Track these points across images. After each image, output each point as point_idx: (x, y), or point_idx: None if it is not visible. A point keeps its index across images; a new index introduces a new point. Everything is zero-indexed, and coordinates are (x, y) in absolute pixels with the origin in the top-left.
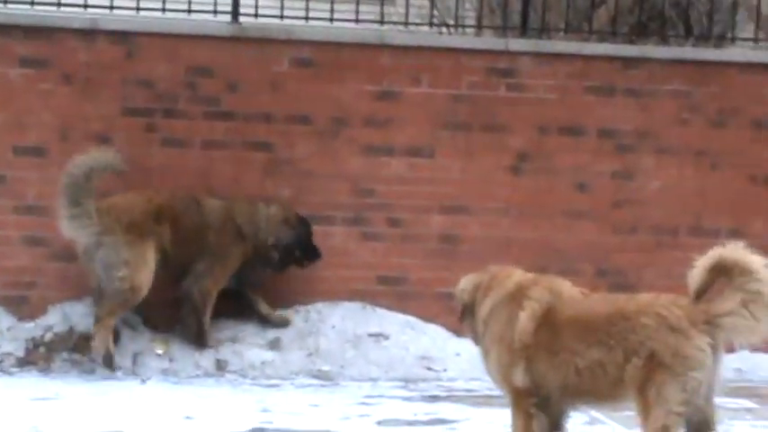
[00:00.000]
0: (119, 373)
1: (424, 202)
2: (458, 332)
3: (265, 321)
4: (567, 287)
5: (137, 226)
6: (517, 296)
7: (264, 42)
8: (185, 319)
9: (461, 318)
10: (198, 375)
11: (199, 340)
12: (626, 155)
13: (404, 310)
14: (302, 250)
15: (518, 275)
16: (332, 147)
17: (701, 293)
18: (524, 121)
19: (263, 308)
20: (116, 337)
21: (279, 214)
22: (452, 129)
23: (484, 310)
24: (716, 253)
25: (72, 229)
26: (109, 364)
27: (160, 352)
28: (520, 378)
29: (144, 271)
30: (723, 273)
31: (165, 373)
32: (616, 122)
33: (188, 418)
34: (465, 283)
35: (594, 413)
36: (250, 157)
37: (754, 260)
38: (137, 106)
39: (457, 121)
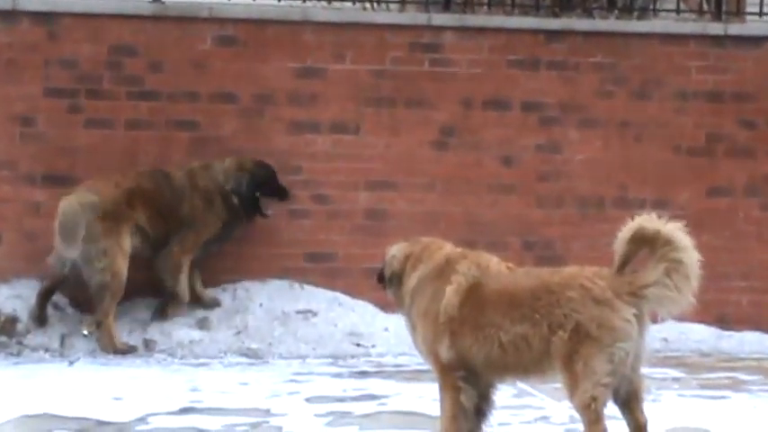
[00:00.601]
0: (46, 355)
1: (351, 178)
2: (386, 308)
3: (197, 300)
4: (494, 262)
5: (110, 214)
6: (445, 270)
7: (187, 21)
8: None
9: (386, 285)
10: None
11: (161, 313)
12: (550, 128)
13: (332, 287)
14: (267, 192)
15: (447, 249)
16: (257, 124)
17: (624, 265)
18: (449, 95)
19: (198, 286)
20: (43, 319)
21: (233, 163)
22: (377, 105)
23: (411, 281)
24: (635, 224)
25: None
26: (130, 351)
27: (87, 333)
28: (445, 352)
29: (120, 257)
30: (646, 243)
31: (92, 353)
32: (540, 96)
33: (117, 398)
34: (396, 250)
35: (522, 385)
36: (175, 137)
37: (675, 230)
38: (60, 87)
39: (381, 96)
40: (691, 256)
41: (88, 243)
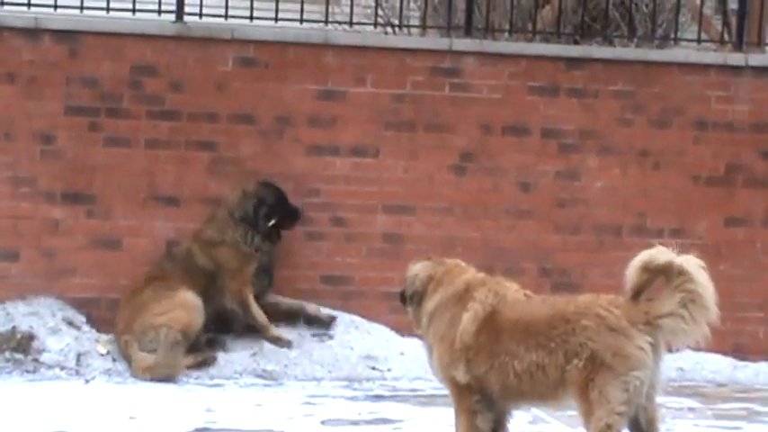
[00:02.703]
0: (62, 373)
1: (369, 201)
2: (402, 331)
3: (314, 321)
4: (512, 290)
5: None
6: (463, 296)
7: (209, 42)
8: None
9: (407, 303)
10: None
11: (272, 340)
12: (570, 155)
13: (348, 310)
14: (276, 212)
15: (469, 274)
16: (276, 146)
17: (638, 294)
18: (468, 120)
19: (309, 308)
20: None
21: (237, 195)
22: (397, 128)
23: (431, 304)
24: (646, 254)
25: None
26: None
27: (104, 352)
28: (461, 377)
29: None
30: (659, 273)
31: (108, 372)
32: (560, 122)
33: (132, 418)
34: (419, 269)
35: (538, 412)
36: (194, 157)
37: (689, 261)
38: (80, 105)
39: (401, 120)
40: (706, 288)
41: None
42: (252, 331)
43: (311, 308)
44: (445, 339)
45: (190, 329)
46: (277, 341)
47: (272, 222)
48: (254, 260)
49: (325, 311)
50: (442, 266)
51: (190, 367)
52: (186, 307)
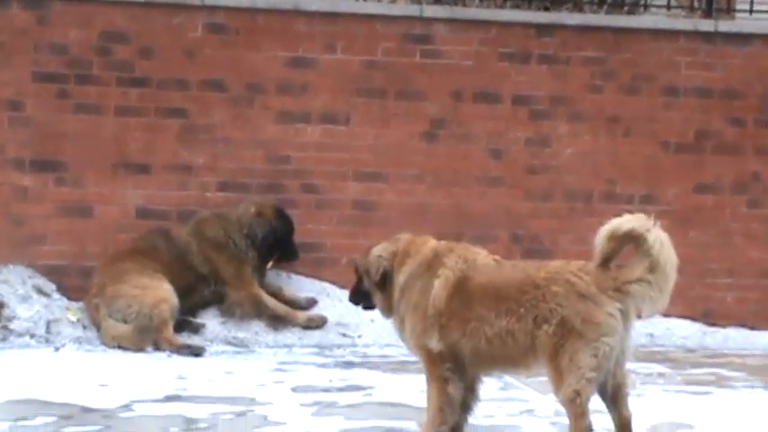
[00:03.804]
0: (32, 341)
1: (340, 168)
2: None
3: (295, 307)
4: (482, 255)
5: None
6: (433, 263)
7: (178, 8)
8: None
9: (374, 289)
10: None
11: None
12: (540, 121)
13: (319, 277)
14: (279, 247)
15: (433, 242)
16: (247, 113)
17: (607, 260)
18: (439, 87)
19: (286, 295)
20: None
21: (250, 209)
22: (367, 95)
23: (402, 277)
24: (612, 223)
25: None
26: (195, 352)
27: (74, 319)
28: (435, 345)
29: None
30: (626, 241)
31: (78, 340)
32: (530, 89)
33: (102, 385)
34: (379, 250)
35: (509, 379)
36: (164, 124)
37: (652, 228)
38: (49, 72)
39: (372, 87)
40: (668, 256)
41: None
42: (220, 299)
43: (288, 293)
44: (418, 308)
45: (165, 306)
46: (310, 324)
47: (273, 255)
48: (250, 263)
49: (305, 295)
50: (402, 240)
51: (178, 349)
52: (164, 290)
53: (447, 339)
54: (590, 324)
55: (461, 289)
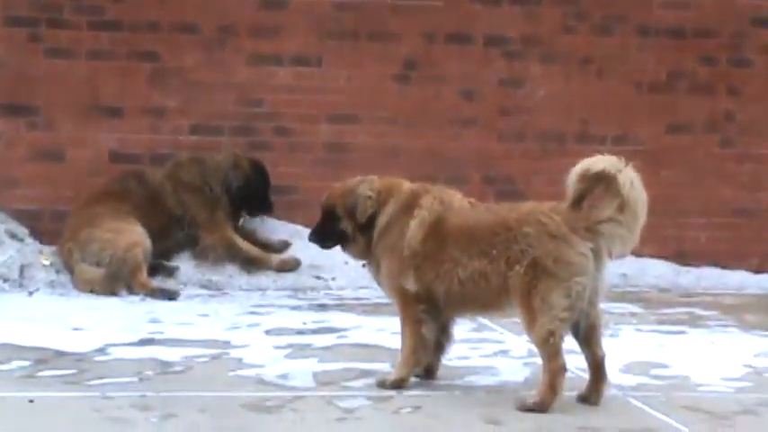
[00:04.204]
0: (5, 285)
1: (312, 111)
2: None
3: (269, 250)
4: (457, 198)
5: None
6: (411, 204)
7: None
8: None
9: (362, 227)
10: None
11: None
12: (513, 62)
13: (292, 220)
14: (254, 200)
15: (408, 184)
16: (219, 56)
17: (579, 201)
18: (411, 29)
19: (261, 239)
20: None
21: (228, 157)
22: (339, 37)
23: (383, 218)
24: (582, 163)
25: None
26: (169, 296)
27: (47, 263)
28: (411, 285)
29: None
30: (597, 181)
31: (52, 285)
32: (503, 30)
33: (76, 329)
34: (364, 190)
35: (482, 320)
36: (136, 68)
37: (621, 168)
38: (19, 15)
39: (344, 29)
40: (638, 194)
41: None
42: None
43: (262, 236)
44: (395, 249)
45: (138, 250)
46: (284, 267)
47: (247, 207)
48: (224, 208)
49: (278, 238)
50: (378, 181)
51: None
52: (138, 233)
53: (422, 281)
54: (562, 264)
55: (437, 230)
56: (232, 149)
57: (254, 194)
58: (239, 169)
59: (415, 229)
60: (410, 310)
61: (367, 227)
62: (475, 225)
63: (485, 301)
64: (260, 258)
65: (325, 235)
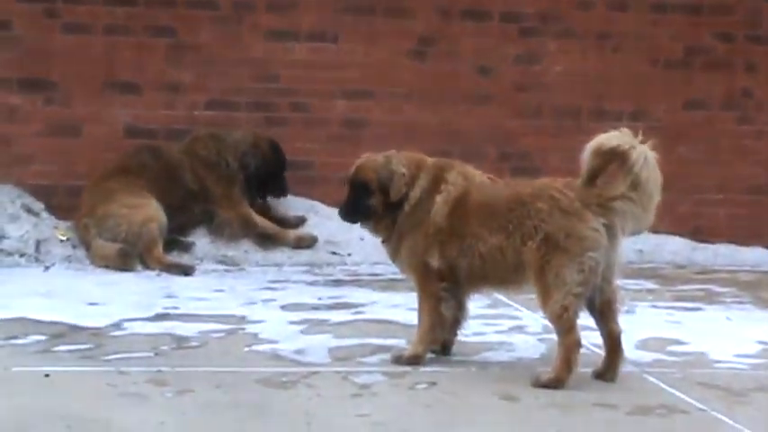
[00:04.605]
0: (21, 260)
1: (328, 86)
2: None
3: (285, 225)
4: (478, 173)
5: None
6: (437, 180)
7: None
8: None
9: (393, 203)
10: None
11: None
12: (529, 38)
13: (309, 195)
14: (269, 181)
15: (431, 159)
16: (235, 32)
17: (593, 177)
18: (427, 5)
19: (279, 214)
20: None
21: (247, 136)
22: (356, 13)
23: (415, 193)
24: (597, 139)
25: None
26: (185, 271)
27: (63, 238)
28: (435, 261)
29: None
30: (612, 157)
31: (68, 259)
32: (519, 6)
33: (92, 304)
34: (397, 165)
35: (498, 296)
36: (152, 43)
37: (636, 145)
38: None
39: (360, 5)
40: (651, 172)
41: None
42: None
43: (278, 211)
44: (421, 225)
45: (154, 225)
46: (300, 243)
47: (261, 188)
48: (240, 185)
49: (294, 213)
50: (407, 155)
51: (168, 268)
52: (153, 208)
53: (445, 257)
54: (574, 239)
55: (461, 205)
56: (252, 129)
57: (270, 175)
58: (257, 148)
59: (440, 203)
60: (430, 287)
61: (395, 203)
62: (494, 200)
63: (502, 276)
64: (276, 235)
65: (356, 210)
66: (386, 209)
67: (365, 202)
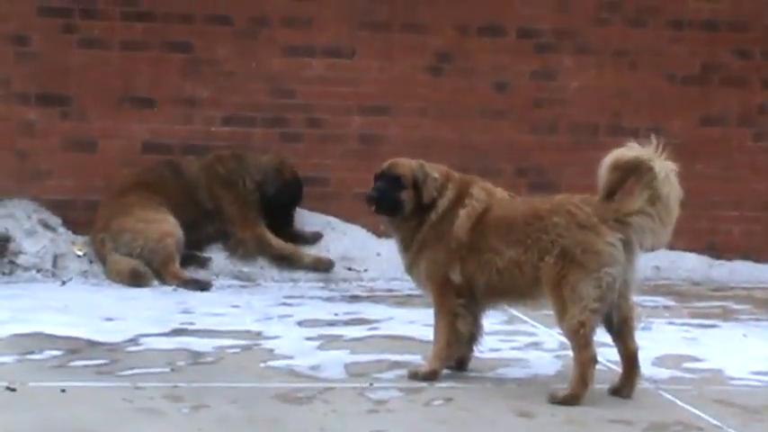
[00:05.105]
0: (38, 275)
1: (344, 102)
2: (378, 233)
3: (302, 242)
4: (498, 189)
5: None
6: (462, 194)
7: None
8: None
9: (420, 209)
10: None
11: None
12: (545, 54)
13: (324, 211)
14: (284, 208)
15: (455, 173)
16: (252, 47)
17: (611, 192)
18: (444, 20)
19: (295, 230)
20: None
21: (272, 161)
22: (372, 29)
23: (443, 202)
24: (615, 152)
25: None
26: (201, 287)
27: (80, 253)
28: (456, 276)
29: None
30: (630, 171)
31: (85, 275)
32: (536, 22)
33: (108, 319)
34: (432, 169)
35: (514, 312)
36: (169, 58)
37: (656, 158)
38: (54, 6)
39: (376, 20)
40: (671, 187)
41: None
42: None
43: (294, 227)
44: (443, 239)
45: (170, 240)
46: (318, 265)
47: (269, 214)
48: (255, 206)
49: (310, 229)
50: (436, 166)
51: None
52: (170, 223)
53: (465, 272)
54: (590, 254)
55: (482, 221)
56: (282, 156)
57: (284, 203)
58: (280, 175)
59: (464, 217)
60: (448, 302)
61: (423, 209)
62: (512, 216)
63: (519, 291)
64: (293, 256)
65: (385, 199)
66: (414, 209)
67: (396, 195)
